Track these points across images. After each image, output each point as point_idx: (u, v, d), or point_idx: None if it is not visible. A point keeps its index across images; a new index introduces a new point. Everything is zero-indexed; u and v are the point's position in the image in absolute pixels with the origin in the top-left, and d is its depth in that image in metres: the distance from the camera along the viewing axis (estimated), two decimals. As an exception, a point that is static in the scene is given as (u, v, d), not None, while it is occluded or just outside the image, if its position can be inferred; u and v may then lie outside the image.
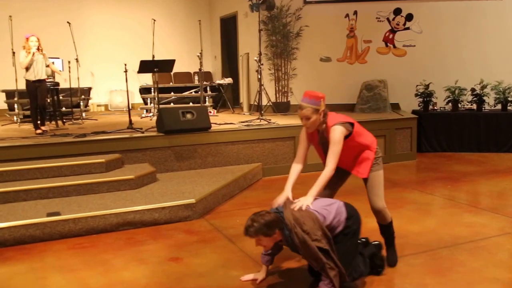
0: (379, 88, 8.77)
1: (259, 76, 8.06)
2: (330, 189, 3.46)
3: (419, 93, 8.53)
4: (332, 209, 3.03)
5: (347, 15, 9.35)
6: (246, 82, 9.89)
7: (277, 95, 9.49)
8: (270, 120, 7.41)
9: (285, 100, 9.44)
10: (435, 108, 8.64)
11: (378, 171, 3.36)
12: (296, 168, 3.36)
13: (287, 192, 3.21)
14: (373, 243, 3.44)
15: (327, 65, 9.48)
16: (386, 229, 3.52)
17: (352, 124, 3.24)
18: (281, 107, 9.24)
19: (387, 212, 3.42)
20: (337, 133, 3.12)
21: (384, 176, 3.43)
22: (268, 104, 9.09)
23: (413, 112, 8.54)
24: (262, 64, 8.16)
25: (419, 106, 8.67)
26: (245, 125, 6.96)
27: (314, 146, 3.43)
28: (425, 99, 8.49)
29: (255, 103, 8.90)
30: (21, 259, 3.87)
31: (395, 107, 9.11)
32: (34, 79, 6.78)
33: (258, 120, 7.35)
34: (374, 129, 7.39)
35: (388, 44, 9.35)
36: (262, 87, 8.28)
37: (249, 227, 2.91)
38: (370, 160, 3.33)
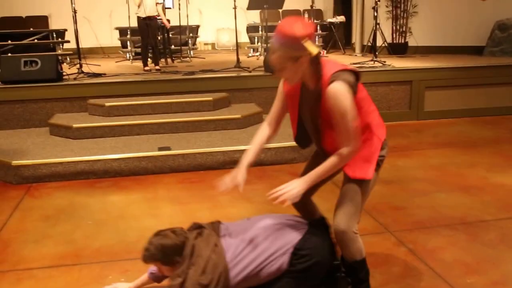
0: (516, 28, 7.69)
1: (375, 14, 7.44)
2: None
3: None
4: (265, 249, 2.10)
5: None
6: (360, 20, 9.27)
7: (394, 35, 8.79)
8: (384, 62, 6.88)
9: (403, 41, 8.73)
10: None
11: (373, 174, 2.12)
12: (262, 134, 2.27)
13: (241, 170, 2.18)
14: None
15: (454, 1, 8.47)
16: (353, 270, 2.17)
17: (356, 79, 2.00)
18: (398, 49, 8.57)
19: (355, 241, 2.10)
20: (343, 97, 1.91)
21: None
22: (383, 45, 8.46)
23: (556, 56, 7.41)
24: (379, 1, 7.50)
25: None
26: (357, 67, 6.54)
27: (289, 110, 2.25)
28: None
29: (369, 44, 8.33)
30: (136, 188, 4.06)
31: (533, 50, 7.95)
32: (143, 15, 6.93)
33: (372, 62, 6.86)
34: (504, 76, 6.55)
35: (531, -24, 8.07)
36: (378, 26, 7.67)
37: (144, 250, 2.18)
38: (375, 153, 2.09)
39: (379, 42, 8.21)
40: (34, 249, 2.98)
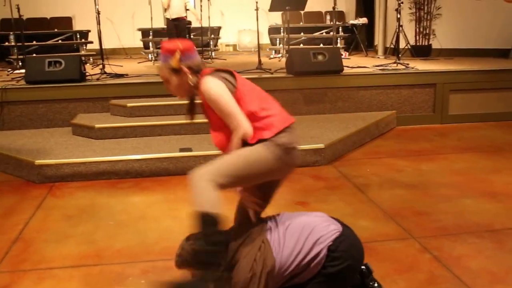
0: (544, 30, 7.49)
1: (398, 16, 7.34)
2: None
3: None
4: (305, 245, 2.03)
5: None
6: (383, 22, 9.16)
7: (417, 38, 8.66)
8: (408, 64, 6.77)
9: (426, 44, 8.59)
10: None
11: (262, 146, 2.07)
12: None
13: None
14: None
15: (479, 3, 8.30)
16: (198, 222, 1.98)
17: (231, 75, 2.16)
18: (421, 51, 8.44)
19: (203, 189, 2.00)
20: (209, 87, 2.05)
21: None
22: (406, 47, 8.35)
23: None
24: (402, 3, 7.41)
25: None
26: (379, 69, 6.46)
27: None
28: None
29: (392, 46, 8.23)
30: (157, 190, 4.06)
31: (562, 53, 7.74)
32: (172, 17, 6.99)
33: (395, 64, 6.78)
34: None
35: (560, -23, 7.86)
36: (401, 28, 7.57)
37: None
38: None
39: (402, 44, 8.09)
40: (56, 248, 3.00)
